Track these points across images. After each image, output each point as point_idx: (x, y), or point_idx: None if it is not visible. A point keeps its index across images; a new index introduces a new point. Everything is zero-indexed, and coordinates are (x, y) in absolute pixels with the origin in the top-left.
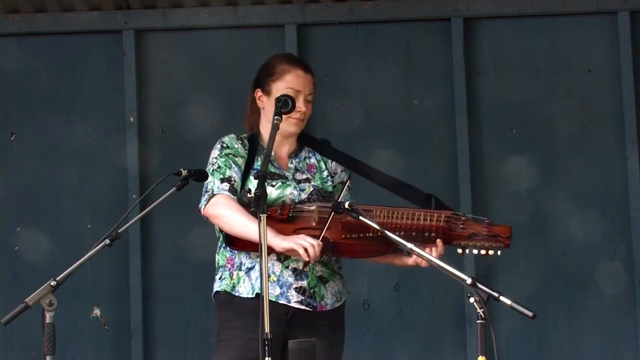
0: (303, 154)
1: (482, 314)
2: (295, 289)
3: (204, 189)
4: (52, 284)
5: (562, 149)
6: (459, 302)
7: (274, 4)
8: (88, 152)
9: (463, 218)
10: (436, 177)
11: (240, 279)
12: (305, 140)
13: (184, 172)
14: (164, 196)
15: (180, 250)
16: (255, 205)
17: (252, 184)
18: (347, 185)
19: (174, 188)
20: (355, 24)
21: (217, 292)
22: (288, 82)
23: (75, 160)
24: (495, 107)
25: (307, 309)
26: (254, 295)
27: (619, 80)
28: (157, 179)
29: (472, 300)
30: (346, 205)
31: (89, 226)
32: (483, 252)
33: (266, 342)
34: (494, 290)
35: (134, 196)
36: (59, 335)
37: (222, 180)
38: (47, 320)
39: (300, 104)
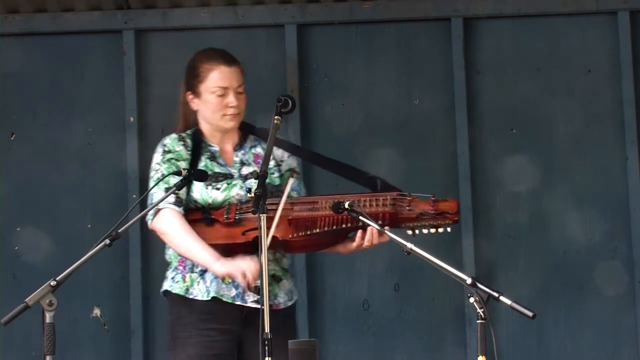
0: (248, 143)
1: (482, 314)
2: (251, 289)
3: (148, 199)
4: (52, 284)
5: (562, 148)
6: (459, 302)
7: (274, 4)
8: (88, 152)
9: (409, 198)
10: (436, 177)
11: (194, 282)
12: (246, 128)
13: (184, 172)
14: (164, 196)
15: None
16: (255, 205)
17: (196, 187)
18: (296, 175)
19: (174, 188)
20: (355, 24)
21: (167, 291)
22: (213, 81)
23: (75, 160)
24: (495, 107)
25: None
26: (209, 298)
27: (619, 80)
28: None
29: (472, 300)
30: (346, 205)
31: (89, 226)
32: (433, 230)
33: (266, 342)
34: (494, 290)
35: (134, 196)
36: (59, 335)
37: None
38: (47, 320)
39: (230, 99)
